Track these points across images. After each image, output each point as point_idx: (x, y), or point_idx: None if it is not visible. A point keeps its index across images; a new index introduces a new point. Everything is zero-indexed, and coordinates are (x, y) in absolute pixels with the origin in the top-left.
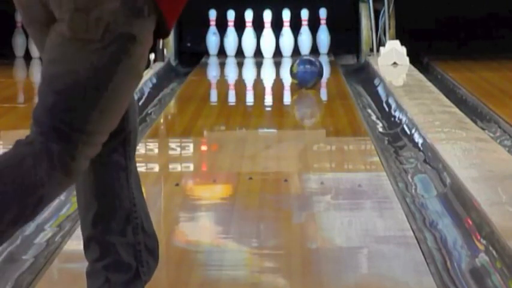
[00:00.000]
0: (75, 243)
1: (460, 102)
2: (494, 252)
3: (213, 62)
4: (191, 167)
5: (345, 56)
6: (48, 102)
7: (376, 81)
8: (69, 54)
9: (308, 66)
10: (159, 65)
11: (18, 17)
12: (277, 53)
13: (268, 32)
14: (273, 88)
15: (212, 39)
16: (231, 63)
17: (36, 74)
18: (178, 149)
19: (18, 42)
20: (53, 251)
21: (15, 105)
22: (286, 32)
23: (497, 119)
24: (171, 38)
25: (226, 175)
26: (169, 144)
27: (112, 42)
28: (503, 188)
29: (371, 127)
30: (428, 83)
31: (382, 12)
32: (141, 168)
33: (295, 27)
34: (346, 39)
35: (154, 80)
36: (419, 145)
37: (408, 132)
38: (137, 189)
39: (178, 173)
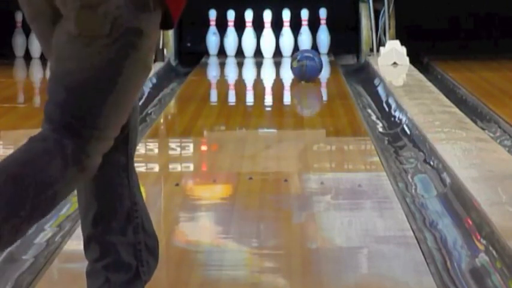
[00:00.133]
0: (75, 243)
1: (460, 102)
2: (494, 252)
3: (213, 62)
4: (191, 167)
5: (345, 56)
6: (59, 99)
7: (376, 81)
8: (77, 51)
9: (308, 62)
10: (159, 65)
11: (18, 17)
12: (277, 53)
13: (268, 32)
14: (273, 88)
15: (212, 39)
16: (231, 63)
17: (36, 74)
18: (178, 149)
19: (18, 42)
20: (53, 251)
21: (15, 105)
22: (286, 32)
23: (497, 119)
24: (171, 38)
25: (226, 175)
26: (169, 144)
27: (120, 37)
28: (503, 188)
29: (371, 127)
30: (428, 83)
31: (382, 12)
32: (141, 168)
33: (295, 27)
34: (346, 39)
35: (154, 80)
36: (419, 145)
37: (408, 132)
38: (137, 188)
39: (178, 173)
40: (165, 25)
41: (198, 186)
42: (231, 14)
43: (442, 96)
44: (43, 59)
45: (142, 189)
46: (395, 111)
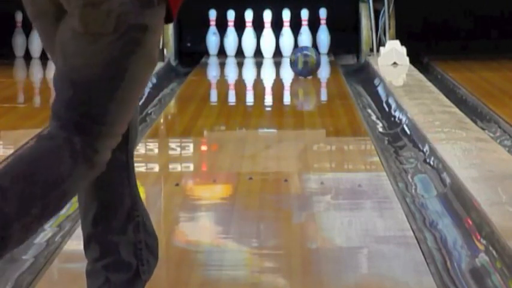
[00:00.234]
0: (75, 243)
1: (460, 102)
2: (494, 252)
3: (213, 62)
4: (191, 167)
5: (345, 56)
6: (66, 96)
7: (376, 81)
8: (83, 48)
9: (305, 52)
10: (159, 65)
11: (18, 17)
12: (277, 53)
13: (268, 32)
14: (273, 88)
15: (212, 39)
16: (231, 63)
17: (36, 74)
18: (178, 149)
19: (18, 42)
20: (53, 251)
21: (15, 105)
22: (286, 32)
23: (497, 119)
24: (171, 38)
25: (226, 175)
26: (169, 144)
27: (125, 33)
28: (503, 188)
29: (371, 127)
30: (428, 83)
31: (382, 12)
32: (141, 168)
33: (295, 27)
34: (346, 39)
35: (154, 80)
36: (419, 145)
37: (408, 132)
38: (136, 187)
39: (178, 173)
40: (165, 19)
41: (198, 186)
42: (231, 14)
43: (442, 96)
44: (43, 59)
45: (142, 189)
46: (395, 111)
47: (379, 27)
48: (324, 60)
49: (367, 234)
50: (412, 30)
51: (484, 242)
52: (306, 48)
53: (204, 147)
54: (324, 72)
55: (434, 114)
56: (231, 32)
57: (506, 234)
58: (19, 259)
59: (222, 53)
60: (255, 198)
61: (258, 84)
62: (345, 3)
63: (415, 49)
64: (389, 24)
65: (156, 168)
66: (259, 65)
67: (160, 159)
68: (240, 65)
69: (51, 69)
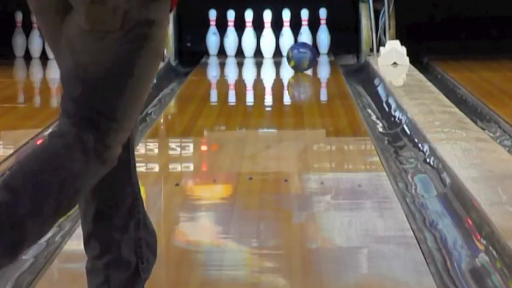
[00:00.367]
0: (75, 243)
1: (460, 102)
2: (494, 252)
3: (213, 62)
4: (191, 167)
5: (345, 56)
6: (76, 93)
7: (376, 81)
8: (90, 45)
9: (302, 50)
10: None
11: (18, 17)
12: (277, 53)
13: (268, 32)
14: (273, 88)
15: (212, 39)
16: (231, 63)
17: (36, 74)
18: (178, 149)
19: (18, 42)
20: (53, 251)
21: (15, 105)
22: (286, 32)
23: (497, 119)
24: (171, 38)
25: (226, 175)
26: (169, 144)
27: (132, 29)
28: (503, 188)
29: (371, 127)
30: (428, 83)
31: (382, 12)
32: (141, 168)
33: (295, 27)
34: (346, 39)
35: (154, 80)
36: (419, 145)
37: (408, 132)
38: (138, 184)
39: (178, 173)
40: None
41: (198, 186)
42: (231, 14)
43: (442, 96)
44: (43, 58)
45: (142, 189)
46: (395, 111)
47: (379, 27)
48: (324, 60)
49: (367, 234)
50: (412, 31)
51: (484, 242)
52: (303, 46)
53: (204, 147)
54: (324, 72)
55: (434, 114)
56: (231, 32)
57: (506, 234)
58: (19, 259)
59: (222, 53)
60: (255, 198)
61: (258, 84)
62: (345, 3)
63: (415, 49)
64: (389, 24)
65: (156, 168)
66: (259, 65)
67: (160, 159)
68: (240, 65)
69: (51, 69)
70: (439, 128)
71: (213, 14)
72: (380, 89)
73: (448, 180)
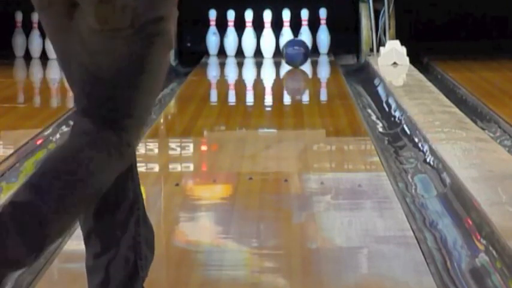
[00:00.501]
0: (75, 243)
1: (460, 102)
2: (494, 252)
3: (213, 62)
4: (191, 167)
5: (345, 56)
6: (92, 93)
7: (376, 81)
8: (102, 44)
9: (296, 47)
10: None
11: (18, 17)
12: (277, 53)
13: (268, 32)
14: (273, 88)
15: (212, 39)
16: (231, 63)
17: (36, 74)
18: (178, 149)
19: (18, 42)
20: (53, 251)
21: (15, 105)
22: (286, 32)
23: (497, 119)
24: None
25: (226, 175)
26: (169, 144)
27: (142, 26)
28: (503, 188)
29: (371, 127)
30: (428, 83)
31: (382, 12)
32: (141, 168)
33: (295, 27)
34: (346, 39)
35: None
36: (419, 145)
37: (408, 132)
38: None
39: (178, 173)
40: None
41: (198, 186)
42: (231, 14)
43: (442, 96)
44: (43, 58)
45: (142, 189)
46: (395, 111)
47: (379, 27)
48: (324, 60)
49: (367, 234)
50: (412, 30)
51: (484, 242)
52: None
53: (204, 147)
54: (324, 72)
55: (434, 114)
56: (231, 32)
57: (506, 234)
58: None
59: (222, 53)
60: (255, 198)
61: (258, 84)
62: (345, 3)
63: (415, 49)
64: (389, 24)
65: (156, 168)
66: (259, 65)
67: (160, 159)
68: (240, 65)
69: (51, 69)
70: (439, 128)
71: (213, 14)
72: (380, 89)
73: (448, 180)
